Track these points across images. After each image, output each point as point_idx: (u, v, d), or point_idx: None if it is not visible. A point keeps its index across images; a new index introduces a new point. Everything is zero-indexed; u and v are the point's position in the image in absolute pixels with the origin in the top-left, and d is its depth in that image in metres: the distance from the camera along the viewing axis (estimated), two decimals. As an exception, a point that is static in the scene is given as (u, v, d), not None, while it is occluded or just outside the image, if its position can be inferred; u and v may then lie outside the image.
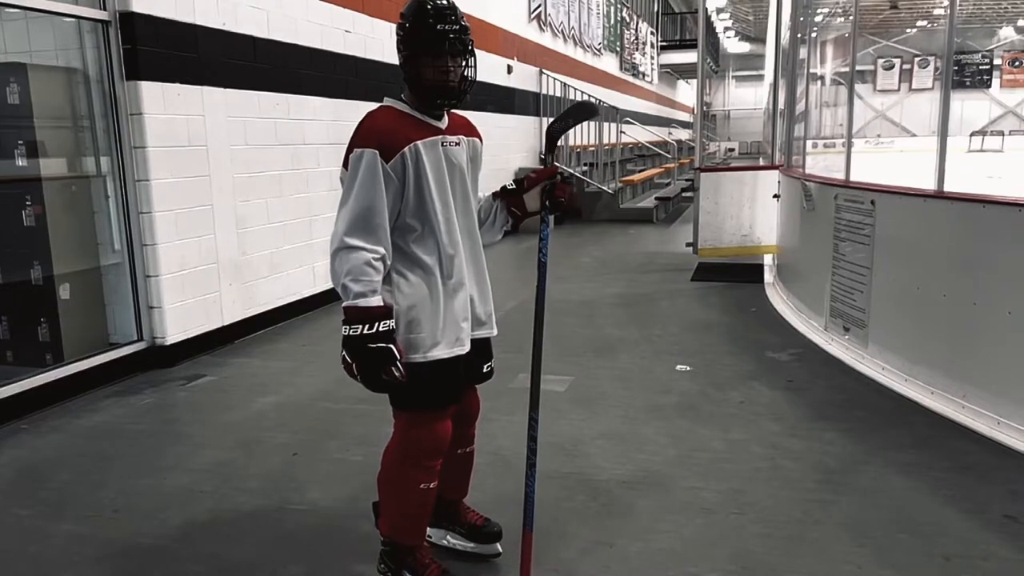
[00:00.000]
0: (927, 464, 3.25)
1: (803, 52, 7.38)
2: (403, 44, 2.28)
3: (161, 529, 2.83)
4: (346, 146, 2.20)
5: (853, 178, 4.96)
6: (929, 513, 2.85)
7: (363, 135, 2.19)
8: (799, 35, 7.21)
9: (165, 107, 4.70)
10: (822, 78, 6.76)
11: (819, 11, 7.23)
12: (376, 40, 7.15)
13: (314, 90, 6.25)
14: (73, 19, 4.41)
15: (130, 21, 4.48)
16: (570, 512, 2.90)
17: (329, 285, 5.03)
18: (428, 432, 2.27)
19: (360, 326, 2.07)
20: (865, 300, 4.57)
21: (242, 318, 5.44)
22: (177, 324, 4.84)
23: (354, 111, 6.82)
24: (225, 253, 5.24)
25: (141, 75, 4.53)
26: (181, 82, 4.82)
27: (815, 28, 6.99)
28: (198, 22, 4.95)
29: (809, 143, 6.59)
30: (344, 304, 2.09)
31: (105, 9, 4.44)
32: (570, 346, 4.93)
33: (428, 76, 2.22)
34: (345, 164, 2.20)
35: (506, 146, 10.31)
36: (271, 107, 5.70)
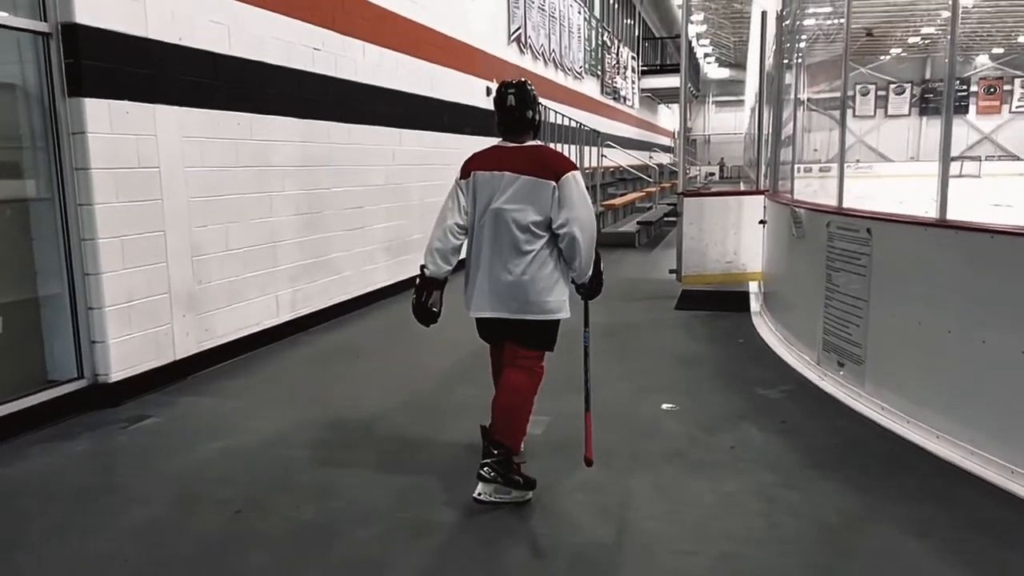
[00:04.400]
0: (939, 522, 2.94)
1: (789, 77, 7.19)
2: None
3: (73, 607, 2.46)
4: (546, 165, 3.18)
5: (846, 204, 4.71)
6: (947, 582, 2.54)
7: (572, 162, 3.36)
8: (784, 60, 7.02)
9: (112, 126, 4.36)
10: (804, 103, 6.54)
11: (800, 37, 7.02)
12: (348, 59, 6.87)
13: (280, 110, 5.93)
14: (10, 31, 4.07)
15: (73, 34, 4.15)
16: (544, 583, 2.56)
17: (292, 316, 5.70)
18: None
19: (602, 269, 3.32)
20: (861, 334, 4.30)
21: (196, 352, 5.06)
22: (122, 360, 4.46)
23: (325, 133, 6.54)
24: (178, 282, 4.88)
25: (85, 91, 4.19)
26: (130, 99, 4.48)
27: (800, 54, 6.79)
28: (151, 36, 4.63)
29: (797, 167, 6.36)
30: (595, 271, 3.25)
31: (46, 20, 4.11)
32: (547, 382, 4.52)
33: None
34: (554, 178, 3.12)
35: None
36: (232, 127, 5.37)
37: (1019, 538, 2.83)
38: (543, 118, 3.48)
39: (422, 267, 3.32)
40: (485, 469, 3.08)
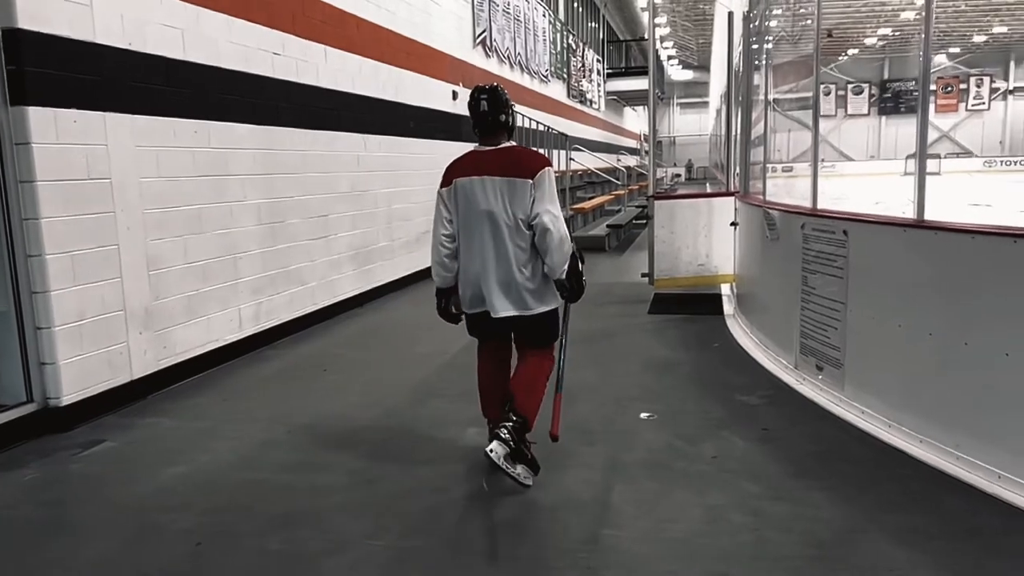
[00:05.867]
0: (927, 531, 2.86)
1: (757, 78, 7.14)
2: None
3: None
4: (522, 164, 3.33)
5: (820, 205, 4.65)
6: (942, 597, 2.46)
7: (545, 158, 3.51)
8: (755, 61, 6.98)
9: (58, 135, 4.13)
10: (772, 104, 6.50)
11: (767, 38, 6.99)
12: (310, 64, 6.68)
13: (240, 117, 5.73)
14: (-54, 36, 3.84)
15: (15, 39, 3.92)
16: (526, 613, 2.42)
17: (255, 330, 5.66)
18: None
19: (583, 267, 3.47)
20: (840, 337, 4.23)
21: (155, 370, 4.84)
22: (74, 382, 4.23)
23: (288, 139, 6.34)
24: (134, 298, 4.66)
25: (29, 100, 3.97)
26: (78, 107, 4.27)
27: (767, 54, 6.75)
28: (99, 40, 4.41)
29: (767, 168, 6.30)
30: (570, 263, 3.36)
31: (-15, 25, 3.89)
32: None
33: None
34: (530, 176, 3.28)
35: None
36: (189, 135, 5.16)
37: (1010, 545, 2.76)
38: (515, 120, 3.54)
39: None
40: (502, 429, 3.21)
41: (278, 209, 6.18)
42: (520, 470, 3.22)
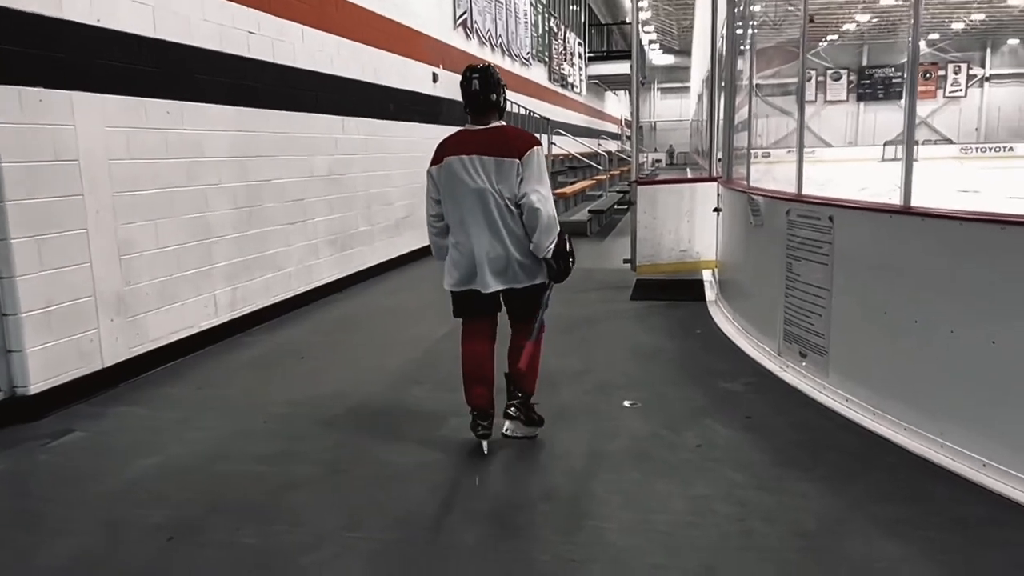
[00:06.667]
0: (915, 521, 2.84)
1: (741, 63, 7.08)
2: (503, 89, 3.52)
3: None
4: (510, 144, 3.37)
5: (806, 191, 4.60)
6: (931, 589, 2.43)
7: (533, 137, 3.53)
8: (739, 46, 6.91)
9: (23, 115, 3.98)
10: (757, 89, 6.44)
11: (752, 23, 6.92)
12: (286, 43, 6.51)
13: (214, 97, 5.57)
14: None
15: (-25, 13, 3.76)
16: (510, 609, 2.36)
17: (231, 316, 5.71)
18: None
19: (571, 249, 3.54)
20: (824, 324, 4.20)
21: (127, 358, 4.71)
22: (43, 370, 4.11)
23: (264, 121, 6.18)
24: (105, 284, 4.52)
25: (-10, 77, 3.82)
26: (44, 86, 4.11)
27: (752, 39, 6.69)
28: (65, 16, 4.24)
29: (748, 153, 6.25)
30: (557, 241, 3.42)
31: (-57, -2, 3.72)
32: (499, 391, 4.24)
33: None
34: (518, 155, 3.34)
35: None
36: (161, 116, 5.01)
37: (993, 535, 2.74)
38: (507, 100, 3.58)
39: None
40: (512, 409, 3.60)
41: (254, 193, 6.04)
42: (531, 430, 3.62)
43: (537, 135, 3.83)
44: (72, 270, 4.29)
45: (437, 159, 3.48)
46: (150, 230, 4.91)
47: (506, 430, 3.58)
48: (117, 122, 4.63)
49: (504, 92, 3.52)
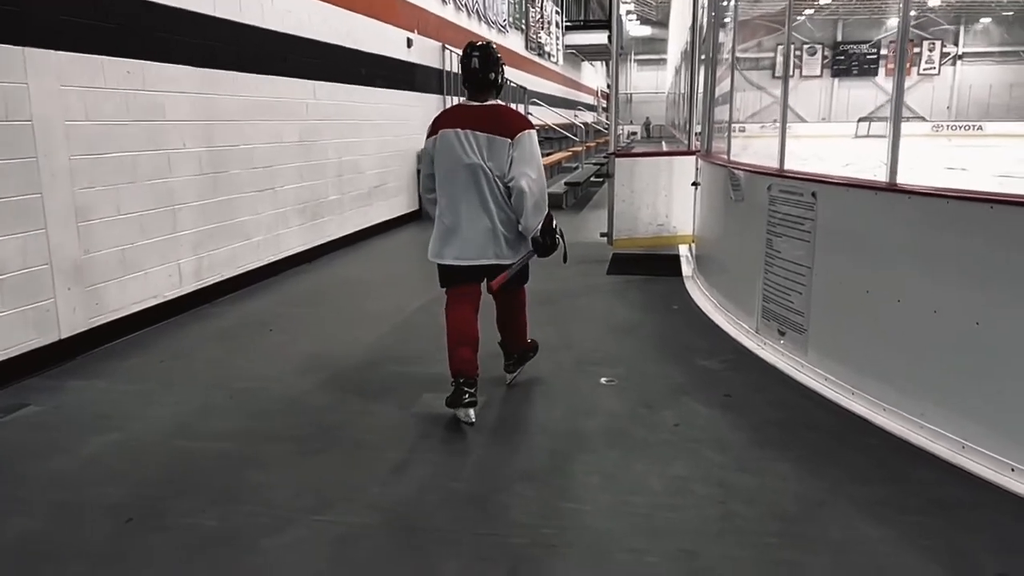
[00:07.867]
0: (895, 503, 2.80)
1: (722, 35, 6.95)
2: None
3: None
4: (503, 123, 3.46)
5: (787, 166, 4.52)
6: (913, 573, 2.39)
7: (528, 121, 3.61)
8: (721, 17, 6.78)
9: (-30, 71, 3.75)
10: (739, 62, 6.34)
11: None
12: (254, 3, 6.25)
13: (177, 58, 5.33)
14: None
15: (-85, -41, 3.51)
16: (485, 596, 2.28)
17: (197, 286, 5.60)
18: None
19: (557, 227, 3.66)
20: (804, 302, 4.14)
21: (86, 329, 4.53)
22: (-5, 341, 3.92)
23: (230, 83, 5.94)
24: (62, 251, 4.32)
25: (-67, 29, 3.57)
26: (-7, 40, 3.87)
27: (734, 11, 6.55)
28: (15, -34, 3.99)
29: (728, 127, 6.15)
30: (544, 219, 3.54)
31: None
32: (483, 356, 4.17)
33: None
34: (510, 135, 3.42)
35: (407, 124, 9.50)
36: (120, 76, 4.77)
37: (974, 518, 2.71)
38: (505, 79, 3.65)
39: None
40: (509, 365, 3.98)
41: (219, 158, 5.82)
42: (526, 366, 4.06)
43: (513, 106, 3.77)
44: (25, 236, 4.09)
45: (433, 131, 3.54)
46: (110, 195, 4.70)
47: (508, 382, 3.97)
48: (74, 81, 4.40)
49: (503, 71, 3.59)
